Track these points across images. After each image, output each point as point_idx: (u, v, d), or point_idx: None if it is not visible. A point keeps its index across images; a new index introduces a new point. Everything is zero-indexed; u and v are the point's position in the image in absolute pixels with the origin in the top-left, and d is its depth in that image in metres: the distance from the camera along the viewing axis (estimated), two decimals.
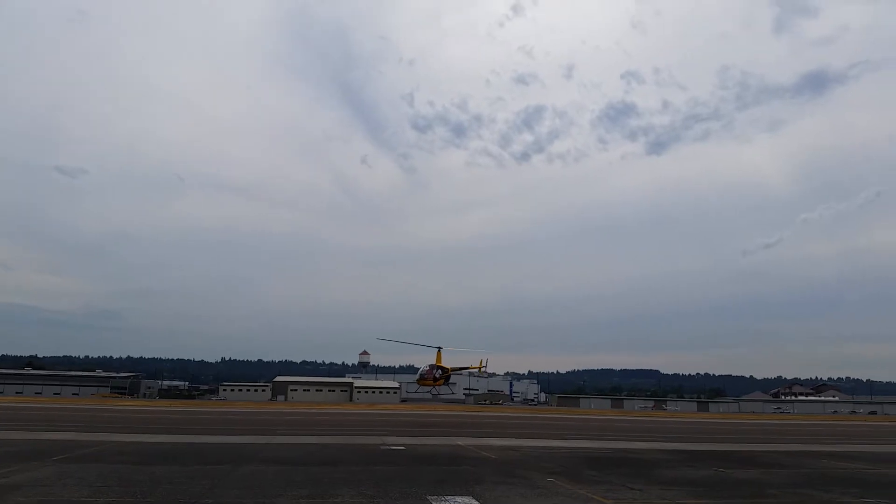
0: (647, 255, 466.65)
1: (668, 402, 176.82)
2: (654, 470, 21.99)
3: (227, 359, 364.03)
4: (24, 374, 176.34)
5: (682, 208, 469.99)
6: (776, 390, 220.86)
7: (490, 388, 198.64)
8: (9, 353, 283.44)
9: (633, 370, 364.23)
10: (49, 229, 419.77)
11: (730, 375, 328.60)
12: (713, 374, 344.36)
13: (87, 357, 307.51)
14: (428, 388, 77.20)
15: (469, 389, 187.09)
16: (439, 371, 66.41)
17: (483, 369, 77.58)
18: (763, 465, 25.53)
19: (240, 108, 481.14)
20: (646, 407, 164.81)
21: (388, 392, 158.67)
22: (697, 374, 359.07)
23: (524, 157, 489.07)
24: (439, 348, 65.72)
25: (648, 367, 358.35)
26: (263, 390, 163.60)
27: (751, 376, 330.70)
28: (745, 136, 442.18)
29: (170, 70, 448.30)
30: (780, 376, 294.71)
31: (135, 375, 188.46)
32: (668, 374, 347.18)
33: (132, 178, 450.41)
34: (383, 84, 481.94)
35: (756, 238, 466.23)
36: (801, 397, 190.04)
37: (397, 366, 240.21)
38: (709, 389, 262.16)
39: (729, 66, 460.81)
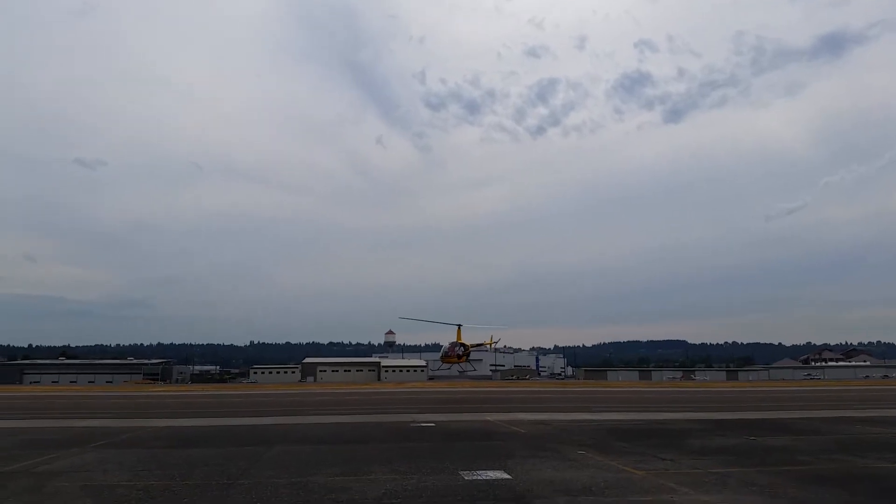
0: (669, 225, 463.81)
1: (696, 372, 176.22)
2: (685, 440, 21.98)
3: (255, 342, 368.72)
4: (58, 364, 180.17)
5: (702, 176, 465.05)
6: (806, 356, 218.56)
7: (516, 364, 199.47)
8: (43, 344, 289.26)
9: (659, 341, 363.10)
10: (72, 221, 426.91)
11: (758, 343, 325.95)
12: (741, 343, 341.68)
13: (118, 345, 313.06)
14: (452, 366, 77.67)
15: (495, 366, 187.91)
16: (461, 348, 66.68)
17: (494, 344, 78.13)
18: (795, 431, 25.39)
19: (252, 95, 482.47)
20: (674, 377, 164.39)
21: (414, 370, 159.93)
22: (725, 342, 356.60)
23: (539, 130, 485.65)
24: (459, 325, 65.85)
25: (675, 338, 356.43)
26: (293, 372, 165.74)
27: (779, 343, 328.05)
28: (763, 101, 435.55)
29: (180, 59, 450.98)
30: (810, 342, 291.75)
31: (166, 361, 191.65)
32: (695, 344, 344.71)
33: (150, 168, 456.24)
34: (394, 63, 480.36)
35: (778, 204, 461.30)
36: (831, 363, 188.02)
37: (423, 344, 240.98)
38: (737, 358, 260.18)
39: (743, 31, 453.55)
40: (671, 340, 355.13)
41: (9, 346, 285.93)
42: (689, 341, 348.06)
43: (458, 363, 70.92)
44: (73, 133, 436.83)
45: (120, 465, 16.33)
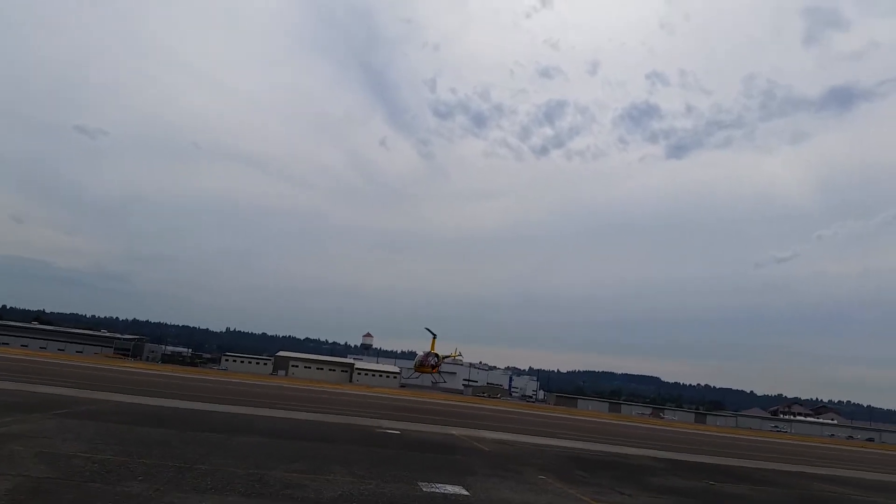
0: (659, 259, 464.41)
1: (665, 411, 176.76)
2: (646, 476, 22.07)
3: (231, 329, 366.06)
4: (30, 328, 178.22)
5: (698, 215, 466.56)
6: (776, 408, 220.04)
7: (490, 382, 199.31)
8: (17, 307, 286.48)
9: (634, 375, 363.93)
10: (64, 187, 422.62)
11: (730, 389, 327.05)
12: (714, 387, 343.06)
13: (93, 316, 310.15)
14: (426, 375, 77.42)
15: (468, 381, 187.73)
16: (434, 358, 66.58)
17: (456, 357, 78.39)
18: (755, 481, 25.54)
19: (260, 83, 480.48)
20: (643, 413, 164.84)
21: (387, 376, 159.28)
22: (698, 384, 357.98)
23: (543, 150, 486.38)
24: (434, 335, 65.84)
25: (650, 374, 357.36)
26: (265, 364, 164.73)
27: (751, 391, 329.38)
28: (767, 146, 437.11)
29: (193, 40, 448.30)
30: (781, 394, 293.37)
31: (139, 338, 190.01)
32: (668, 382, 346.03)
33: (150, 144, 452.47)
34: (406, 67, 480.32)
35: (769, 251, 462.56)
36: (799, 417, 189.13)
37: (399, 351, 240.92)
38: (708, 401, 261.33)
39: (755, 74, 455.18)
40: (645, 376, 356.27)
41: None
42: (662, 378, 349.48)
43: (430, 373, 70.81)
44: (79, 100, 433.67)
45: (78, 436, 16.21)
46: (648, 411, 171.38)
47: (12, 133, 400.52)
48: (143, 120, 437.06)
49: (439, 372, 71.70)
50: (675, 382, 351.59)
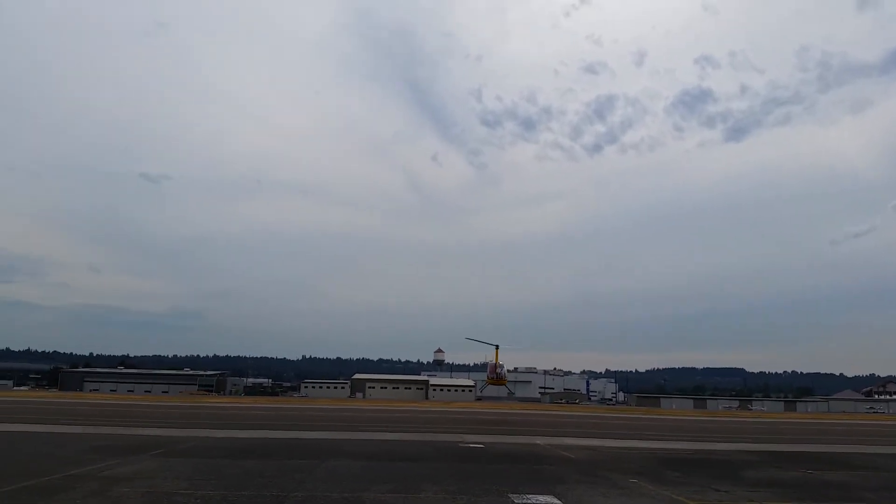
0: (728, 247, 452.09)
1: (753, 402, 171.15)
2: (740, 471, 21.49)
3: (307, 356, 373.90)
4: (117, 373, 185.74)
5: (765, 196, 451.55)
6: (869, 389, 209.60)
7: (566, 387, 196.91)
8: (103, 353, 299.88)
9: (716, 368, 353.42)
10: (135, 234, 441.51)
11: (819, 373, 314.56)
12: (801, 372, 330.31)
13: (175, 356, 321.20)
14: (500, 387, 76.72)
15: (544, 388, 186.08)
16: (502, 368, 66.00)
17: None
18: (855, 467, 24.54)
19: (311, 113, 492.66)
20: (730, 407, 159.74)
21: (462, 390, 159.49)
22: (784, 372, 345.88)
23: (596, 148, 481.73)
24: (496, 346, 65.27)
25: (733, 366, 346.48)
26: (342, 387, 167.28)
27: (841, 374, 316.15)
28: (829, 118, 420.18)
29: (243, 77, 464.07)
30: (874, 374, 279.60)
31: (221, 373, 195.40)
32: (753, 373, 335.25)
33: (211, 183, 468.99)
34: (450, 81, 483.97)
35: (844, 227, 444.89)
36: None
37: (472, 364, 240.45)
38: (797, 388, 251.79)
39: (808, 45, 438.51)
40: (728, 368, 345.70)
41: (71, 353, 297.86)
42: (747, 369, 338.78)
43: (502, 384, 70.16)
44: (140, 148, 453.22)
45: (178, 474, 16.86)
46: (736, 404, 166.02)
47: (81, 186, 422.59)
48: (203, 162, 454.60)
49: (506, 382, 71.11)
50: (761, 372, 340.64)
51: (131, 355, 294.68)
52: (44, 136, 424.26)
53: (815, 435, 47.46)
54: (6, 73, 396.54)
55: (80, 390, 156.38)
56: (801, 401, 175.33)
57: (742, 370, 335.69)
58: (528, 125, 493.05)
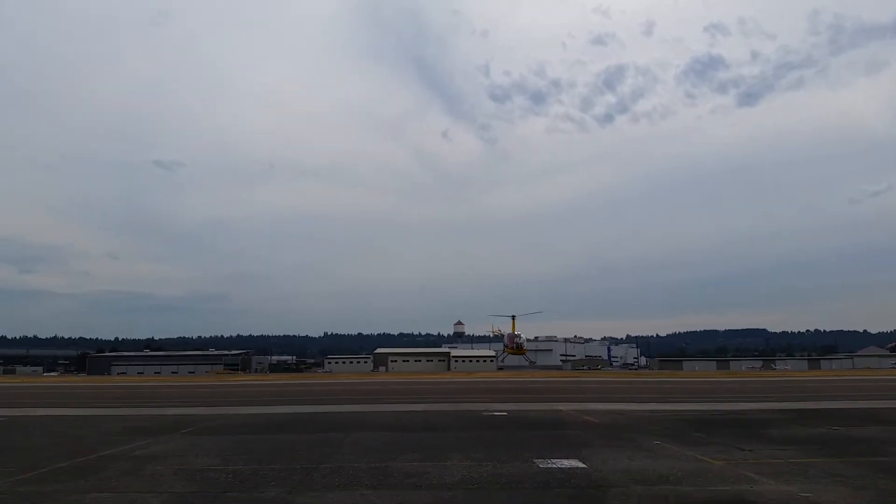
0: (746, 211, 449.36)
1: (776, 362, 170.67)
2: (765, 430, 21.48)
3: (329, 333, 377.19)
4: (143, 356, 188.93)
5: (780, 160, 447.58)
6: (893, 344, 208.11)
7: (587, 354, 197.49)
8: (128, 337, 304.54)
9: (738, 330, 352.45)
10: (152, 221, 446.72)
11: (842, 331, 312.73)
12: (824, 331, 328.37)
13: (199, 337, 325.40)
14: (520, 357, 76.31)
15: (565, 356, 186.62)
16: (518, 337, 65.58)
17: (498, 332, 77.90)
18: (882, 422, 24.45)
19: (319, 95, 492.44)
20: (753, 367, 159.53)
21: (484, 360, 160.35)
22: (807, 331, 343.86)
23: (607, 118, 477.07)
24: (513, 316, 64.91)
25: (755, 326, 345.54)
26: (365, 362, 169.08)
27: (864, 331, 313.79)
28: (842, 81, 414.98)
29: (249, 63, 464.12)
30: None
31: (245, 352, 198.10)
32: (775, 333, 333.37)
33: (225, 168, 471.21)
34: (458, 58, 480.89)
35: (861, 185, 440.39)
36: None
37: (491, 335, 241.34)
38: (820, 346, 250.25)
39: (819, 9, 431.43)
40: (750, 329, 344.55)
41: (97, 339, 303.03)
42: (769, 330, 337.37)
43: (521, 354, 69.94)
44: (152, 136, 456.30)
45: (209, 451, 17.18)
46: (759, 364, 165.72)
47: (96, 176, 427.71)
48: (215, 147, 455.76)
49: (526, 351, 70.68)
50: (783, 332, 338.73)
51: (156, 338, 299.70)
52: (59, 129, 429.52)
53: (839, 391, 47.28)
54: (21, 69, 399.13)
55: (108, 374, 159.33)
56: (825, 358, 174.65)
57: (764, 330, 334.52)
58: (538, 98, 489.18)
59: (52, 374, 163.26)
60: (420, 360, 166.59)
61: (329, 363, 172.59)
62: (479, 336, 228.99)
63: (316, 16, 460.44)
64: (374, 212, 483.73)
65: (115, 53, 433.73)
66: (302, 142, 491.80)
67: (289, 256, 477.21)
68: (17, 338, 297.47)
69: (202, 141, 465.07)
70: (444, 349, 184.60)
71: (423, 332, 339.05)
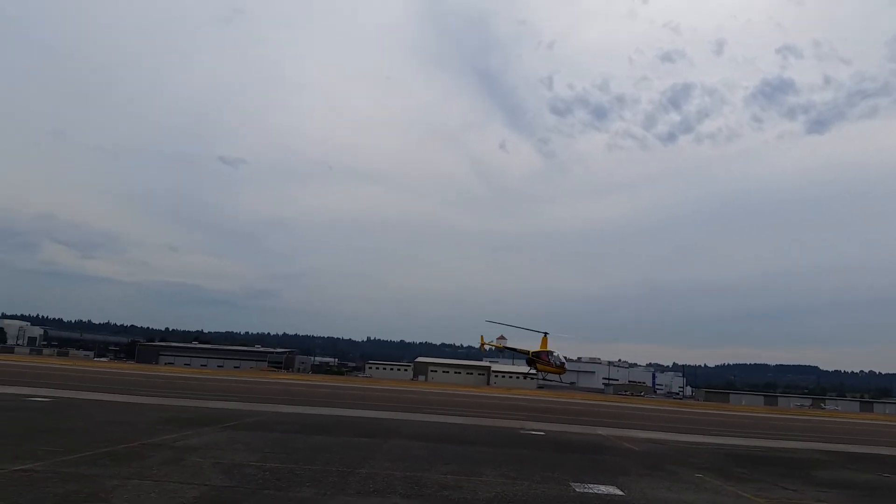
0: (807, 242, 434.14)
1: (827, 401, 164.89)
2: (811, 471, 20.79)
3: (372, 338, 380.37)
4: (191, 348, 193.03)
5: (846, 191, 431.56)
6: None
7: (631, 379, 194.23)
8: (178, 328, 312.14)
9: (789, 366, 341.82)
10: (212, 215, 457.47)
11: None
12: (879, 373, 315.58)
13: (246, 333, 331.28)
14: (556, 376, 74.60)
15: (608, 379, 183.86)
16: (557, 359, 63.99)
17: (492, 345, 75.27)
18: None
19: (380, 99, 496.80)
20: (802, 405, 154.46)
21: (524, 377, 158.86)
22: (861, 371, 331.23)
23: (670, 137, 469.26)
24: (545, 333, 63.58)
25: (806, 363, 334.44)
26: (405, 370, 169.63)
27: None
28: None
29: (314, 64, 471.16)
30: None
31: (290, 351, 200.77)
32: (827, 371, 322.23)
33: (285, 168, 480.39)
34: (522, 69, 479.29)
35: None
36: None
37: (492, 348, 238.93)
38: (874, 389, 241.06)
39: None
40: (802, 366, 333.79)
41: (148, 328, 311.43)
42: (821, 368, 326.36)
43: (557, 372, 68.18)
44: (218, 131, 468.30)
45: (248, 447, 17.43)
46: (808, 403, 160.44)
47: (162, 169, 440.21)
48: (278, 146, 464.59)
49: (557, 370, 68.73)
50: (836, 371, 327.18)
51: (205, 331, 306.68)
52: (128, 120, 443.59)
53: (893, 437, 45.44)
54: (93, 60, 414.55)
55: (156, 363, 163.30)
56: (878, 402, 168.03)
57: (816, 368, 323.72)
58: (600, 113, 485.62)
59: (102, 359, 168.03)
60: (460, 372, 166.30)
61: (370, 368, 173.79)
62: (521, 351, 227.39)
63: (382, 21, 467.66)
64: (426, 219, 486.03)
65: (188, 49, 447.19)
66: (360, 145, 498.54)
67: (339, 258, 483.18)
68: (73, 321, 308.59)
69: (264, 139, 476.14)
70: (484, 363, 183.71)
71: (466, 344, 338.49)
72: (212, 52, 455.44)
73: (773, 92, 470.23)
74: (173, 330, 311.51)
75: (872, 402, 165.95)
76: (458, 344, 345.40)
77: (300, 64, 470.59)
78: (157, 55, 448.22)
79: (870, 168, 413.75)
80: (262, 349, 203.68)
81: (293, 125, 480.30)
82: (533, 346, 65.46)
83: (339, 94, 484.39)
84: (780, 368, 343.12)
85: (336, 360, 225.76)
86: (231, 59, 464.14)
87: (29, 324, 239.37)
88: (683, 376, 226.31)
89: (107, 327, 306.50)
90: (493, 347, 77.38)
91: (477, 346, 74.32)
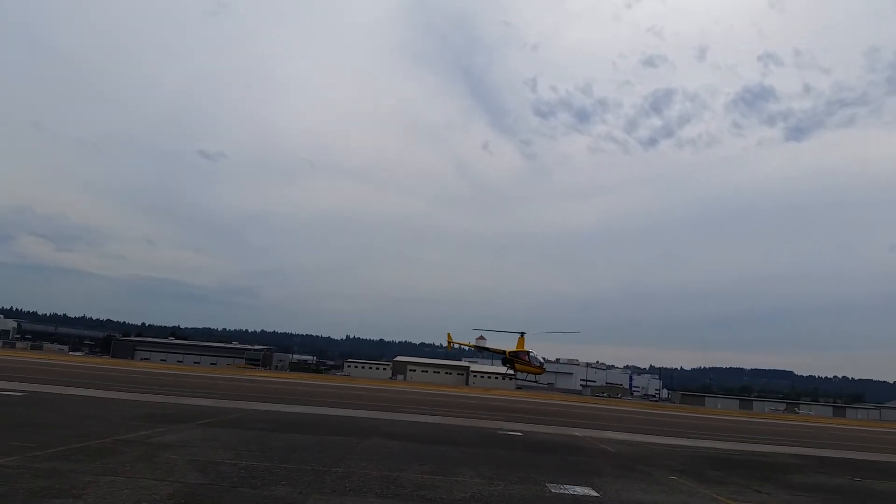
0: (782, 248, 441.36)
1: (801, 406, 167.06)
2: (784, 474, 21.02)
3: (351, 337, 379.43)
4: (168, 343, 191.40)
5: (824, 199, 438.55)
6: None
7: (608, 381, 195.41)
8: (154, 323, 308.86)
9: (764, 370, 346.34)
10: (190, 209, 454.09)
11: (871, 380, 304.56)
12: (852, 378, 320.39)
13: (224, 329, 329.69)
14: (535, 377, 74.53)
15: (585, 381, 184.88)
16: (535, 358, 63.95)
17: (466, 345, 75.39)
18: None
19: (364, 96, 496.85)
20: (776, 409, 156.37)
21: (503, 378, 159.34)
22: (835, 377, 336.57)
23: (651, 142, 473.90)
24: (522, 333, 63.51)
25: (782, 368, 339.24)
26: (384, 369, 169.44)
27: (895, 382, 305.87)
28: None
29: (298, 61, 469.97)
30: None
31: (267, 348, 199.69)
32: (802, 376, 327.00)
33: (266, 164, 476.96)
34: (506, 70, 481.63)
35: None
36: None
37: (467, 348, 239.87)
38: (847, 394, 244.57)
39: (878, 46, 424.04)
40: (777, 370, 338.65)
41: (124, 322, 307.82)
42: (795, 373, 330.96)
43: (535, 372, 68.13)
44: (199, 125, 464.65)
45: (223, 444, 17.28)
46: (782, 407, 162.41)
47: (140, 162, 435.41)
48: (258, 142, 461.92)
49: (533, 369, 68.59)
50: (810, 376, 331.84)
51: (182, 327, 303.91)
52: (109, 113, 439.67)
53: (864, 442, 46.11)
54: (74, 52, 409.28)
55: (132, 358, 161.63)
56: (851, 407, 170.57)
57: (791, 373, 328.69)
58: (583, 116, 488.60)
59: (77, 353, 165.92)
60: (439, 372, 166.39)
61: (349, 367, 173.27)
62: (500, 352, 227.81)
63: (367, 19, 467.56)
64: (408, 218, 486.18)
65: (171, 42, 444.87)
66: (343, 142, 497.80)
67: (318, 256, 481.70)
68: (48, 314, 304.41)
69: (246, 134, 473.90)
70: (463, 363, 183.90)
71: (445, 344, 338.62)
72: (194, 46, 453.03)
73: (754, 99, 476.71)
74: (150, 325, 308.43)
75: (845, 408, 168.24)
76: (437, 344, 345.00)
77: (284, 59, 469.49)
78: (138, 48, 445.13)
79: (847, 176, 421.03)
80: (239, 346, 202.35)
81: (275, 120, 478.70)
82: (510, 346, 65.34)
83: (322, 91, 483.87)
84: (756, 373, 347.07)
85: (315, 358, 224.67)
86: (214, 52, 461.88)
87: (2, 316, 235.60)
88: (660, 379, 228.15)
89: (82, 321, 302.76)
90: (464, 346, 77.21)
91: (456, 345, 73.93)
